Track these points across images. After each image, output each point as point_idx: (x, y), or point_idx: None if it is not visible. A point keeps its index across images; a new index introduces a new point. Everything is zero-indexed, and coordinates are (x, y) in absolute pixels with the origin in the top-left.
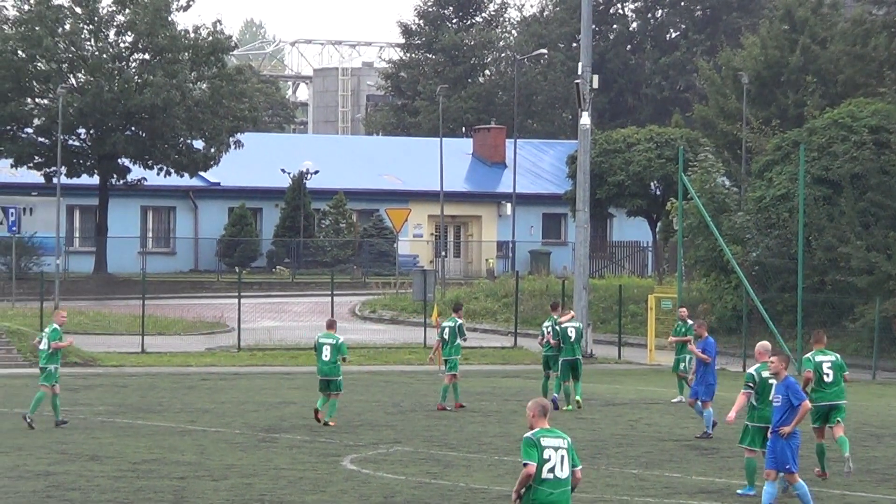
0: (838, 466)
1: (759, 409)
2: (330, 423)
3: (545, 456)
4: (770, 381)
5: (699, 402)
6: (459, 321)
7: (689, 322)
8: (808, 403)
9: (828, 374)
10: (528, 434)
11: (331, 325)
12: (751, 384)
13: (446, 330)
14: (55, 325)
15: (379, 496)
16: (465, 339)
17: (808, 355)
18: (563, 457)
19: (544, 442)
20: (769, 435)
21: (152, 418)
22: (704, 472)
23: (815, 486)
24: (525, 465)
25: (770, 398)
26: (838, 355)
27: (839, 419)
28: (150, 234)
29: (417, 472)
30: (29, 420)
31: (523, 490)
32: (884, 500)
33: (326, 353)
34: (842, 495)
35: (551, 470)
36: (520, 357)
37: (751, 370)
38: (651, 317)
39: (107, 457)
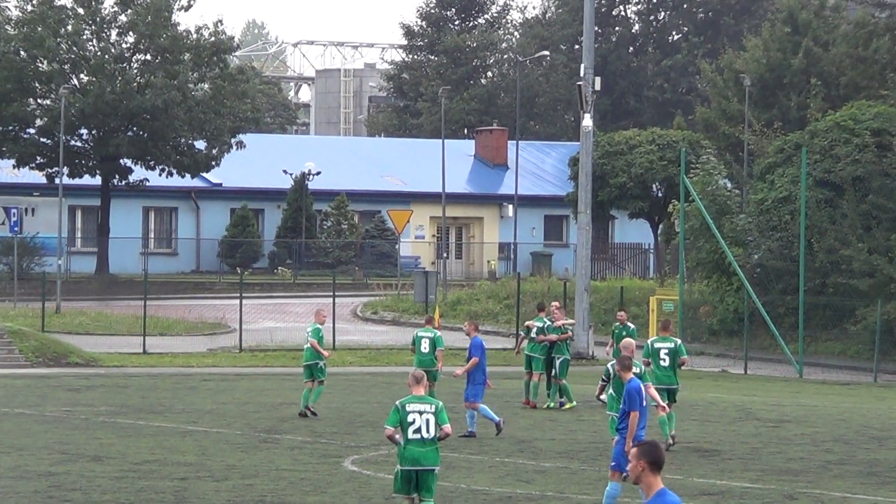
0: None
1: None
2: None
3: (409, 419)
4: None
5: (472, 407)
6: (546, 321)
7: (630, 326)
8: (636, 414)
9: (664, 360)
10: (398, 401)
11: (429, 320)
12: (604, 378)
13: (534, 329)
14: (317, 325)
15: (380, 497)
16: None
17: (648, 341)
18: (428, 420)
19: (409, 407)
20: (615, 438)
21: (154, 419)
22: (705, 475)
23: (817, 488)
24: (385, 428)
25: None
26: (679, 342)
27: (670, 401)
28: (151, 235)
29: None
30: (308, 411)
31: (397, 445)
32: (885, 503)
33: (425, 346)
34: (843, 498)
35: (417, 431)
36: (521, 359)
37: (609, 365)
38: (653, 319)
39: (108, 457)
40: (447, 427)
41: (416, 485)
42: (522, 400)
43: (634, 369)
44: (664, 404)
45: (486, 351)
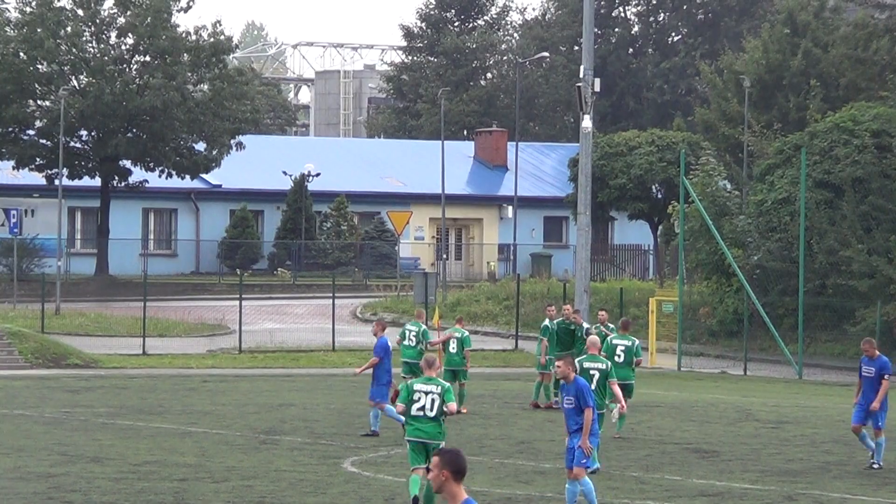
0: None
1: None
2: (462, 411)
3: (415, 398)
4: (591, 371)
5: (377, 407)
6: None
7: (611, 325)
8: (590, 411)
9: (619, 356)
10: (409, 381)
11: (459, 320)
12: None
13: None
14: (423, 326)
15: (379, 499)
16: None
17: (609, 339)
18: (432, 399)
19: (417, 387)
20: (567, 438)
21: (153, 420)
22: (705, 476)
23: (816, 489)
24: (397, 404)
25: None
26: (637, 342)
27: (625, 395)
28: (151, 236)
29: None
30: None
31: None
32: None
33: (453, 346)
34: (842, 499)
35: (420, 408)
36: (521, 360)
37: (580, 359)
38: (652, 320)
39: (108, 458)
40: (452, 405)
41: (426, 457)
42: (531, 402)
43: (600, 364)
44: (623, 403)
45: (390, 352)
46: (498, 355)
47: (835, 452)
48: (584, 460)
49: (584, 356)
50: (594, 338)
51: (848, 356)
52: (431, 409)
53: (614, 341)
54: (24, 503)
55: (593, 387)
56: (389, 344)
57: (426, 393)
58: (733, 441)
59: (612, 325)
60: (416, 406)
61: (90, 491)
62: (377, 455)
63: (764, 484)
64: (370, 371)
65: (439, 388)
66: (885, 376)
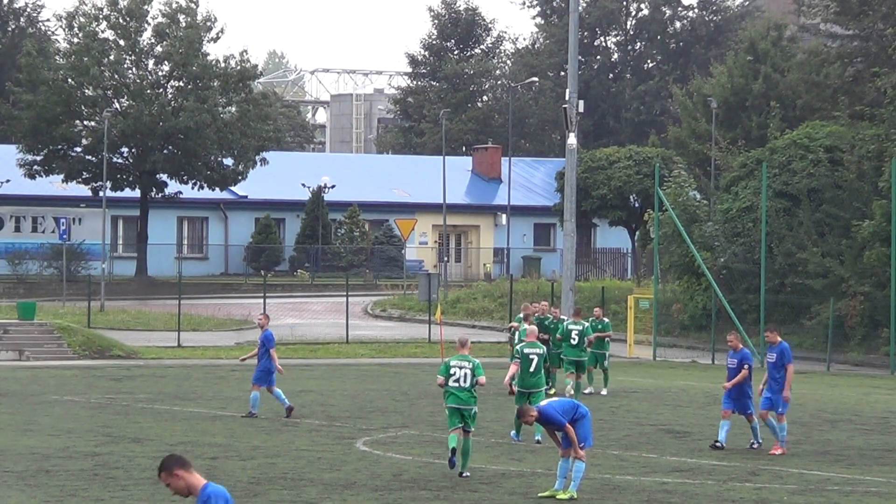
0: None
1: (524, 378)
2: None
3: (451, 372)
4: (530, 356)
5: (258, 389)
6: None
7: (605, 320)
8: (568, 428)
9: (574, 339)
10: (447, 359)
11: (532, 334)
12: (517, 357)
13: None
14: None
15: (388, 474)
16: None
17: (564, 324)
18: (465, 373)
19: (452, 363)
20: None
21: (187, 405)
22: (678, 453)
23: (776, 465)
24: (438, 377)
25: (531, 369)
26: (587, 325)
27: (579, 371)
28: (185, 242)
29: (423, 454)
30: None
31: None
32: (837, 478)
33: (533, 366)
34: (799, 474)
35: (456, 381)
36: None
37: (517, 346)
38: (630, 315)
39: (147, 439)
40: (482, 378)
41: (461, 419)
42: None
43: (538, 350)
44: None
45: (273, 342)
46: (493, 347)
47: (793, 433)
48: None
49: (524, 343)
50: (532, 327)
51: (804, 347)
52: (465, 381)
53: (570, 326)
54: (73, 479)
55: (532, 369)
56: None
57: (460, 368)
58: (703, 423)
59: (606, 320)
60: (452, 379)
61: (131, 468)
62: (386, 436)
63: (730, 461)
64: (253, 360)
65: (471, 364)
66: (746, 365)
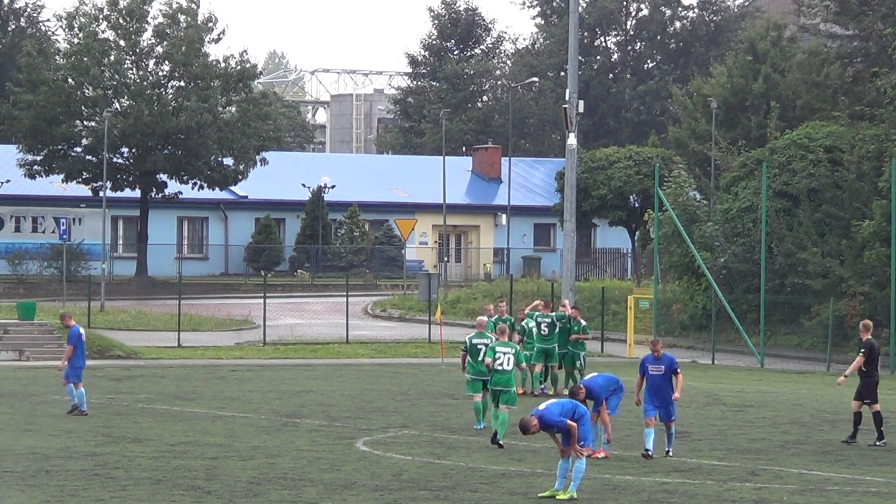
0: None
1: (474, 366)
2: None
3: (497, 357)
4: (479, 346)
5: (71, 384)
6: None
7: (583, 322)
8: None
9: (544, 331)
10: (491, 343)
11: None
12: (464, 349)
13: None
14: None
15: (388, 474)
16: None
17: (533, 315)
18: (508, 358)
19: (498, 349)
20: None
21: (187, 405)
22: (677, 453)
23: (776, 465)
24: (486, 359)
25: (483, 360)
26: (554, 316)
27: (553, 363)
28: (185, 242)
29: (423, 454)
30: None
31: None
32: (837, 478)
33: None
34: (799, 474)
35: (500, 364)
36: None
37: (467, 337)
38: (630, 315)
39: (147, 439)
40: (522, 364)
41: (497, 400)
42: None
43: (510, 349)
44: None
45: (82, 338)
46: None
47: (793, 433)
48: (583, 441)
49: (497, 342)
50: (503, 325)
51: (804, 347)
52: (508, 365)
53: (538, 319)
54: (74, 479)
55: (508, 367)
56: (81, 331)
57: (504, 353)
58: (703, 423)
59: (584, 323)
60: (497, 362)
61: (131, 468)
62: (386, 436)
63: (730, 461)
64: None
65: (513, 349)
66: (677, 370)
